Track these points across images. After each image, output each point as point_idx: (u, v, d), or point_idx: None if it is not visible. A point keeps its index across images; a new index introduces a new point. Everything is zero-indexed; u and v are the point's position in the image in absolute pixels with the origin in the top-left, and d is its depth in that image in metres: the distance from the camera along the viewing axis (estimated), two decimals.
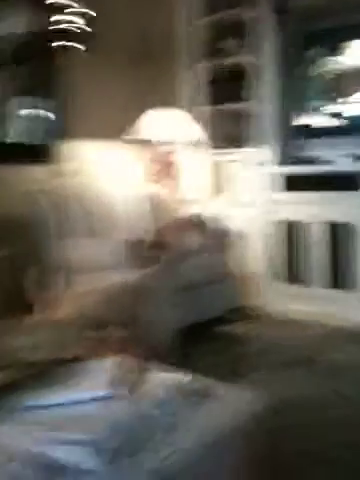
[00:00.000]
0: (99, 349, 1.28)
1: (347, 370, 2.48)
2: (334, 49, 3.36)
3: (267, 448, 1.49)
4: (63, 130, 3.29)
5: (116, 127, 3.48)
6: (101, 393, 1.04)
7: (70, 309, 1.86)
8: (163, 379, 1.19)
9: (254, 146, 3.58)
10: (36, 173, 3.16)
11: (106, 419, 0.97)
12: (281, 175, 3.45)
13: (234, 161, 3.72)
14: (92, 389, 1.06)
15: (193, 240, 1.76)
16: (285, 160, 3.50)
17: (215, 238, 1.77)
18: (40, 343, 1.27)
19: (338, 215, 3.22)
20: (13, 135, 3.22)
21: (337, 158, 3.30)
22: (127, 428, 0.96)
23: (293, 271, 3.44)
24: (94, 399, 1.03)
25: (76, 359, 1.18)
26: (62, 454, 0.92)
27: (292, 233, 3.43)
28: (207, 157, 3.79)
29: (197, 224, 1.79)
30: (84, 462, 0.90)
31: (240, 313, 3.21)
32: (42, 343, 1.27)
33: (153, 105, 3.50)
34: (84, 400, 1.03)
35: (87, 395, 1.04)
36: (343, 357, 2.66)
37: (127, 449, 0.94)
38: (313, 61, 3.44)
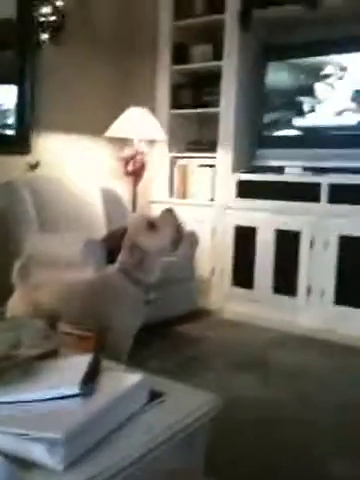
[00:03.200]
0: (58, 345, 1.29)
1: (297, 374, 2.58)
2: (292, 63, 3.48)
3: (219, 448, 1.56)
4: (34, 121, 3.24)
5: (88, 121, 3.49)
6: (67, 392, 1.06)
7: (23, 301, 1.86)
8: (118, 378, 1.21)
9: (213, 151, 3.66)
10: (9, 163, 3.11)
11: (66, 418, 0.99)
12: (236, 181, 3.54)
13: (192, 164, 3.79)
14: (57, 387, 1.08)
15: (160, 239, 1.76)
16: (240, 167, 3.59)
17: (182, 239, 1.77)
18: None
19: (286, 223, 3.35)
20: None
21: (288, 168, 3.43)
22: (85, 428, 0.98)
23: (242, 275, 3.54)
24: (59, 397, 1.05)
25: (40, 356, 1.19)
26: (21, 450, 0.94)
27: (243, 238, 3.53)
28: (167, 158, 3.84)
29: (166, 222, 1.77)
30: (43, 460, 0.92)
31: (194, 314, 3.28)
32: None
33: (123, 102, 3.53)
34: (48, 398, 1.05)
35: (51, 393, 1.06)
36: (292, 359, 2.78)
37: (84, 449, 0.97)
38: (273, 73, 3.54)
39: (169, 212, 1.77)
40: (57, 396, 1.06)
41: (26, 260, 1.93)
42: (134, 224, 1.83)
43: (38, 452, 0.93)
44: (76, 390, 1.06)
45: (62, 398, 1.06)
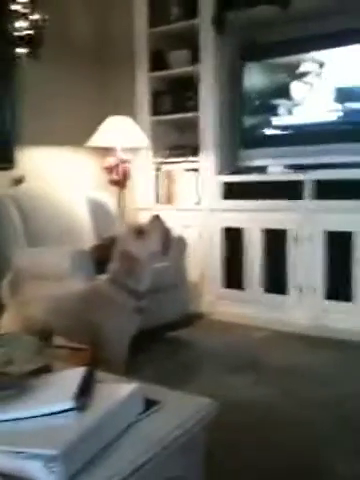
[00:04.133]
0: (51, 360, 1.29)
1: (292, 372, 2.59)
2: (269, 63, 3.51)
3: (218, 453, 1.55)
4: (16, 136, 3.23)
5: (70, 133, 3.49)
6: (61, 407, 1.05)
7: (15, 317, 1.85)
8: (112, 389, 1.21)
9: (196, 155, 3.68)
10: None
11: (62, 433, 0.99)
12: (220, 183, 3.56)
13: (176, 169, 3.80)
14: (51, 402, 1.07)
15: (150, 245, 1.77)
16: (224, 169, 3.61)
17: (171, 243, 1.79)
18: None
19: (272, 221, 3.37)
20: None
21: (271, 167, 3.45)
22: (81, 442, 0.98)
23: (232, 276, 3.55)
24: (53, 413, 1.05)
25: (33, 372, 1.18)
26: (18, 468, 0.94)
27: (231, 239, 3.54)
28: (150, 165, 3.85)
29: (155, 228, 1.78)
30: (40, 477, 0.92)
31: (186, 318, 3.28)
32: None
33: (104, 112, 3.54)
34: (43, 414, 1.04)
35: (46, 409, 1.05)
36: (286, 358, 2.79)
37: (81, 463, 0.97)
38: (251, 74, 3.57)
39: (156, 218, 1.78)
40: (52, 412, 1.06)
41: (14, 276, 1.92)
42: (123, 233, 1.84)
43: (35, 469, 0.92)
44: (70, 405, 1.06)
45: (57, 413, 1.05)
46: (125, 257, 1.74)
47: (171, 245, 1.79)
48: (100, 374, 1.27)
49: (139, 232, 1.77)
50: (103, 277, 1.86)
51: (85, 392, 1.12)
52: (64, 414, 1.05)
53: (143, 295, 1.80)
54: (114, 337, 1.75)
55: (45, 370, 1.24)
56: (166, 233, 1.78)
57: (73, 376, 1.19)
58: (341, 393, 2.32)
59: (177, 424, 1.15)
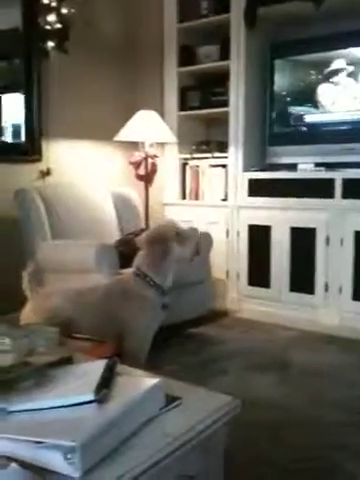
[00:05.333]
0: (73, 352, 1.29)
1: (316, 372, 2.54)
2: (300, 60, 3.45)
3: (236, 452, 1.53)
4: (43, 129, 3.26)
5: (97, 127, 3.51)
6: (82, 398, 1.05)
7: (38, 309, 1.86)
8: (134, 383, 1.20)
9: (222, 151, 3.64)
10: (21, 172, 3.14)
11: (81, 425, 0.99)
12: (248, 180, 3.52)
13: (203, 165, 3.78)
14: (72, 394, 1.07)
15: (184, 251, 1.83)
16: (252, 165, 3.57)
17: (199, 253, 1.85)
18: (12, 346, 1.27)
19: (300, 220, 3.31)
20: None
21: (300, 165, 3.40)
22: (100, 435, 0.98)
23: (258, 274, 3.51)
24: (74, 404, 1.05)
25: (54, 363, 1.18)
26: (37, 458, 0.94)
27: (257, 237, 3.50)
28: (177, 160, 3.84)
29: (192, 238, 1.86)
30: (60, 467, 0.92)
31: (210, 315, 3.27)
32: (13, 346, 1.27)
33: (131, 106, 3.55)
34: (64, 405, 1.04)
35: (66, 400, 1.05)
36: (311, 358, 2.74)
37: (100, 455, 0.96)
38: (281, 70, 3.52)
39: (195, 230, 1.84)
40: (72, 403, 1.06)
41: (35, 267, 1.93)
42: (166, 226, 1.89)
43: (54, 460, 0.92)
44: (91, 396, 1.06)
45: (77, 405, 1.05)
46: (163, 245, 1.79)
47: (198, 254, 1.88)
48: (122, 367, 1.27)
49: (178, 234, 1.84)
50: (127, 271, 1.86)
51: (106, 385, 1.12)
52: (84, 406, 1.05)
53: (167, 291, 1.80)
54: (139, 331, 1.75)
55: (66, 361, 1.24)
56: (199, 243, 1.87)
57: (94, 368, 1.19)
58: None
59: (197, 421, 1.13)
